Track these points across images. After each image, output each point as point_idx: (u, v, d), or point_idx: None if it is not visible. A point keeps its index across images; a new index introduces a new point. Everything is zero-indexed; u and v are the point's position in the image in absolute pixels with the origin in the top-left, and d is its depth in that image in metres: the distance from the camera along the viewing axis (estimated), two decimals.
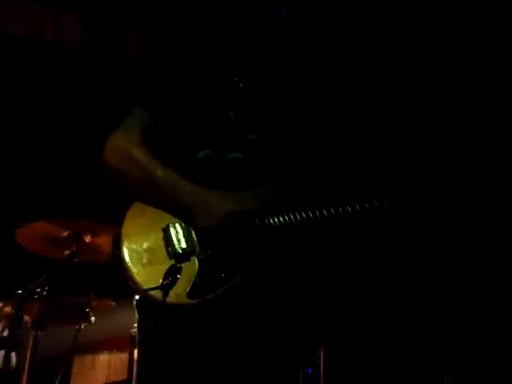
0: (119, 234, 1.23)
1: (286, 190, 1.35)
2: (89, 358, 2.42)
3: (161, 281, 1.09)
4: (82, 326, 2.31)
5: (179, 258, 1.19)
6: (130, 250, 1.21)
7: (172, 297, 1.11)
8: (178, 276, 1.11)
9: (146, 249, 1.21)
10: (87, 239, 2.23)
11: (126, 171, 1.29)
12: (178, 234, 1.23)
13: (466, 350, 2.51)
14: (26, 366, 2.11)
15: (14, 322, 1.99)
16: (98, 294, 2.35)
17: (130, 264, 1.19)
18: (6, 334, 2.09)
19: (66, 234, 2.21)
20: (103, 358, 2.39)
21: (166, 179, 1.26)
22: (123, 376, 2.21)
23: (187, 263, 1.19)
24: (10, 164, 2.62)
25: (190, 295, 1.17)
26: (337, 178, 1.50)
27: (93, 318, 2.30)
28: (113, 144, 1.33)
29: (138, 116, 1.36)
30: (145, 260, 1.20)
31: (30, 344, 2.11)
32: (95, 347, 2.43)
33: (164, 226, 1.24)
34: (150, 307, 1.18)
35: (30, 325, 2.13)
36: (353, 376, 2.45)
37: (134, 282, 1.18)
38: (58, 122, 2.65)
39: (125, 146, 1.31)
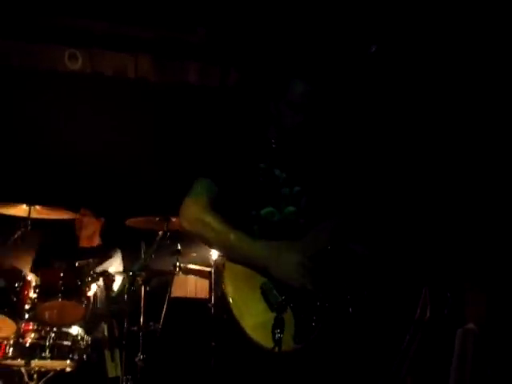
0: (223, 291, 1.46)
1: (332, 229, 1.58)
2: (182, 277, 3.87)
3: (272, 334, 1.32)
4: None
5: (281, 309, 1.40)
6: (235, 304, 1.43)
7: (283, 346, 1.33)
8: (283, 326, 1.32)
9: (246, 302, 1.45)
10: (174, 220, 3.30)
11: (204, 236, 1.53)
12: (273, 289, 1.46)
13: (439, 269, 2.68)
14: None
15: None
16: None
17: (237, 316, 1.42)
18: None
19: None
20: (191, 278, 3.86)
21: (239, 241, 1.48)
22: (205, 295, 3.66)
23: (285, 313, 1.40)
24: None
25: (296, 341, 1.40)
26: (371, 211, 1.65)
27: None
28: (186, 212, 1.55)
29: (203, 185, 1.57)
30: (247, 311, 1.42)
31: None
32: (187, 271, 3.83)
33: (259, 283, 1.46)
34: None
35: None
36: None
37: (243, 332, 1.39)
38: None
39: (197, 214, 1.52)
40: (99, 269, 3.31)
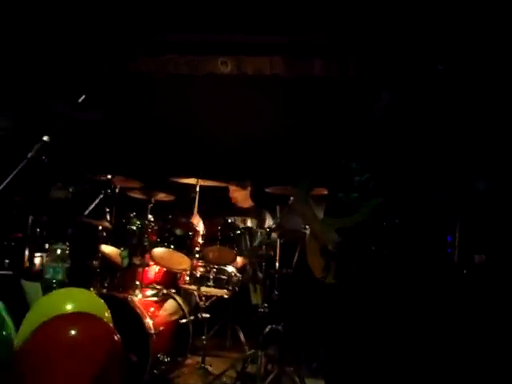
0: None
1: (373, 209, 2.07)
2: None
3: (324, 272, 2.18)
4: None
5: (327, 260, 2.21)
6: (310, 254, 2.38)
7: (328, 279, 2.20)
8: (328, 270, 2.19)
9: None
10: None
11: (304, 217, 2.55)
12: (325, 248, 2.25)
13: None
14: None
15: None
16: None
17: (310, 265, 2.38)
18: None
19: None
20: None
21: (314, 221, 2.34)
22: None
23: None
24: None
25: (335, 278, 2.17)
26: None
27: None
28: (294, 201, 2.82)
29: (305, 183, 2.40)
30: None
31: None
32: None
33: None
34: None
35: None
36: None
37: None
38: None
39: (301, 204, 2.43)
40: (249, 224, 4.29)
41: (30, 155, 2.31)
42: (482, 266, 3.12)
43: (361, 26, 3.47)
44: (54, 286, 3.19)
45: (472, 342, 2.75)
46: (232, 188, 4.67)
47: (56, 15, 4.22)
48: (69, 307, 1.94)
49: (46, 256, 3.40)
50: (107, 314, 2.46)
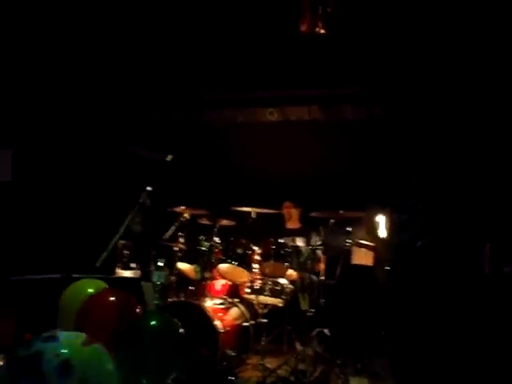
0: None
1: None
2: (357, 248, 5.38)
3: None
4: None
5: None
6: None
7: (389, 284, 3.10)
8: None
9: None
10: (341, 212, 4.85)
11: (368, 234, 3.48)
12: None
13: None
14: None
15: None
16: None
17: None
18: None
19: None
20: (360, 250, 5.35)
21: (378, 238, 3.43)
22: (370, 262, 5.12)
23: None
24: None
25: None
26: None
27: None
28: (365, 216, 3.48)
29: (373, 206, 3.47)
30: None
31: None
32: (357, 245, 5.31)
33: None
34: None
35: None
36: None
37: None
38: None
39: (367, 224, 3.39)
40: (298, 242, 5.01)
41: (140, 200, 3.29)
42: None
43: (382, 78, 4.26)
44: (159, 285, 4.36)
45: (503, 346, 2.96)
46: (286, 205, 5.42)
47: (140, 78, 5.36)
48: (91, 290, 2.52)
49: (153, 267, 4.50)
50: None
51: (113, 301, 2.31)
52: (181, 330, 2.59)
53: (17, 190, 4.80)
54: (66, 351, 1.67)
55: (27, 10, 4.36)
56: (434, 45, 3.97)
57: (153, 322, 2.40)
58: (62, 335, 1.74)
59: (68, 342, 1.72)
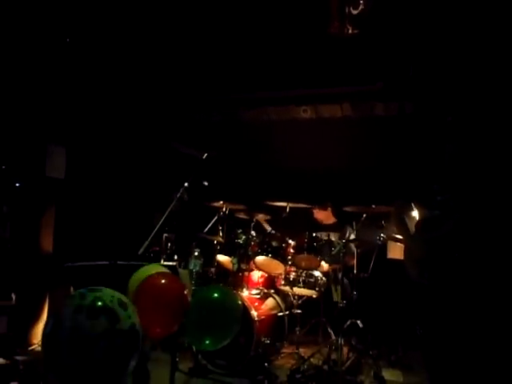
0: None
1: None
2: (392, 243, 5.44)
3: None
4: None
5: None
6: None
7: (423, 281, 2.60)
8: None
9: None
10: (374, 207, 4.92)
11: (399, 231, 3.15)
12: None
13: None
14: None
15: None
16: None
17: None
18: None
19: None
20: (395, 244, 5.41)
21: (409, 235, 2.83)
22: None
23: None
24: None
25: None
26: None
27: None
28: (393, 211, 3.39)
29: (402, 201, 2.95)
30: None
31: None
32: (391, 239, 5.40)
33: None
34: None
35: None
36: None
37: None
38: None
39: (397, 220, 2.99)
40: (332, 237, 5.10)
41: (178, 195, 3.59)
42: None
43: (413, 74, 4.32)
44: (195, 272, 4.68)
45: None
46: (315, 211, 5.62)
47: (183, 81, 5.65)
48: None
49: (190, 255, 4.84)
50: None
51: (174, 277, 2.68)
52: (239, 302, 3.02)
53: (69, 185, 5.14)
54: (115, 293, 2.10)
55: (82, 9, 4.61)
56: (466, 40, 3.97)
57: (217, 294, 2.85)
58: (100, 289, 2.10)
59: (108, 291, 2.10)
